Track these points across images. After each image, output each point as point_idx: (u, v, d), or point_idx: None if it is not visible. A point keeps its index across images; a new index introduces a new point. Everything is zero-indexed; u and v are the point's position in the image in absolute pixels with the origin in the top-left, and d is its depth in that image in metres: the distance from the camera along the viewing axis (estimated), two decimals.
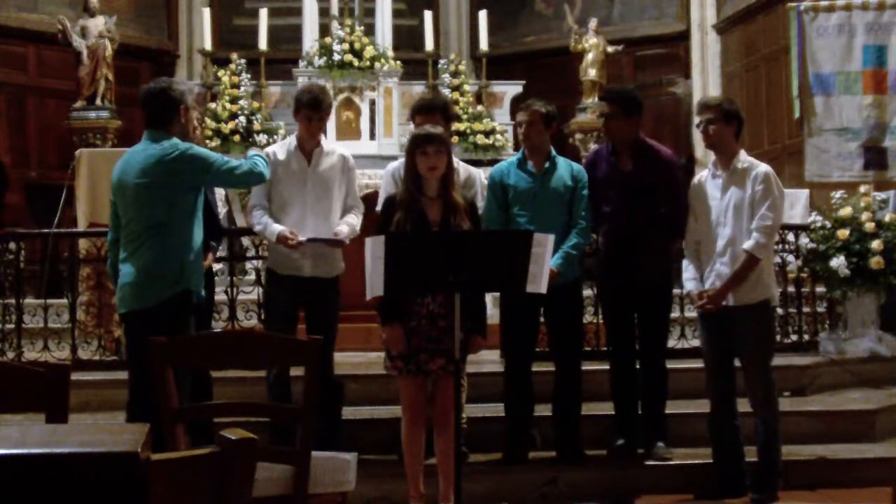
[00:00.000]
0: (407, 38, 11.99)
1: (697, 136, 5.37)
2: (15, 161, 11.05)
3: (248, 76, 10.78)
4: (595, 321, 6.25)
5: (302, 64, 10.78)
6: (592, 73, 11.28)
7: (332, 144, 5.35)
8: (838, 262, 6.89)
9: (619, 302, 5.38)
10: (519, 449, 5.28)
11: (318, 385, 3.26)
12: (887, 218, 7.11)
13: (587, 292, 5.78)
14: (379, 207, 4.82)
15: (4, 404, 2.76)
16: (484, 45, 11.18)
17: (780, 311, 6.99)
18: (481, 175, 5.46)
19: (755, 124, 10.79)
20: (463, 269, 3.91)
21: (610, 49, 11.33)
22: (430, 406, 4.60)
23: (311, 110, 5.01)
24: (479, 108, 11.05)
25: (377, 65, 10.61)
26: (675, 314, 6.04)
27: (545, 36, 13.07)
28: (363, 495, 4.72)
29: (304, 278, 5.00)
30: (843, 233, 6.97)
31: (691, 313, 6.05)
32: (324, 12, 11.22)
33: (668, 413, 5.40)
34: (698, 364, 5.25)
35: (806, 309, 7.29)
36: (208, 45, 11.00)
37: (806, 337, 7.14)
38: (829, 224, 7.08)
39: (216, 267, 5.95)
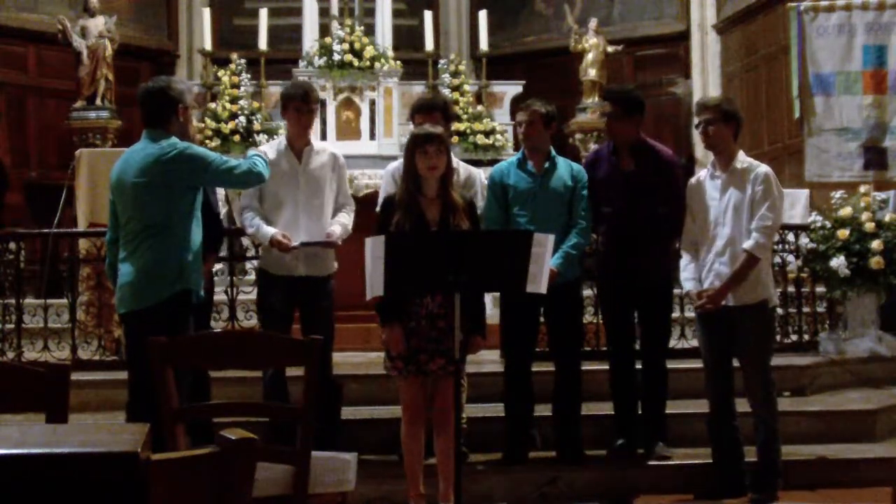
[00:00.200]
0: (407, 38, 11.99)
1: (698, 137, 5.37)
2: (15, 161, 11.05)
3: (248, 76, 10.78)
4: (595, 321, 6.25)
5: (302, 64, 10.78)
6: (592, 73, 11.28)
7: (322, 143, 5.35)
8: (838, 262, 6.89)
9: (620, 302, 5.38)
10: (519, 449, 5.27)
11: (318, 385, 3.26)
12: (887, 218, 7.11)
13: (587, 292, 5.77)
14: (378, 207, 4.81)
15: (4, 404, 2.75)
16: (484, 45, 11.18)
17: (780, 311, 6.99)
18: (481, 175, 5.46)
19: (755, 124, 10.79)
20: (463, 269, 3.91)
21: (610, 49, 11.34)
22: (430, 406, 4.60)
23: (302, 102, 4.99)
24: (479, 108, 11.05)
25: (377, 65, 10.61)
26: (675, 314, 6.04)
27: (545, 36, 13.07)
28: (363, 495, 4.72)
29: (298, 278, 4.99)
30: (843, 233, 6.97)
31: (691, 313, 6.05)
32: (324, 12, 11.22)
33: (668, 413, 5.40)
34: (698, 364, 5.25)
35: (806, 309, 7.29)
36: (208, 45, 11.00)
37: (806, 337, 7.14)
38: (829, 224, 7.09)
39: (216, 267, 5.95)
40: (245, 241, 7.06)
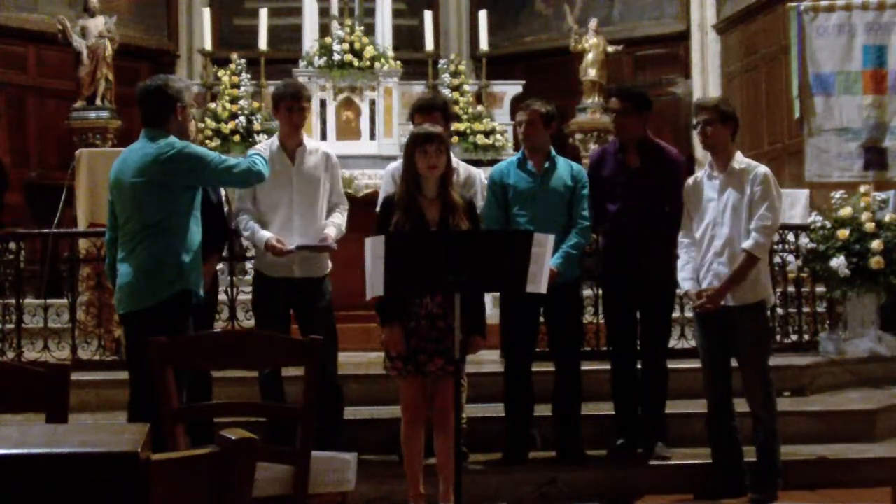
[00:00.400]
0: (407, 38, 11.99)
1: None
2: (15, 161, 11.05)
3: (248, 76, 10.79)
4: (595, 321, 6.25)
5: (302, 64, 10.78)
6: (592, 73, 11.29)
7: (314, 142, 5.33)
8: (838, 262, 6.90)
9: (622, 301, 5.38)
10: (519, 449, 5.27)
11: (318, 385, 3.26)
12: (887, 218, 7.11)
13: (587, 292, 5.77)
14: (378, 207, 4.81)
15: (4, 404, 2.75)
16: (484, 45, 11.18)
17: (780, 311, 7.00)
18: (481, 175, 5.46)
19: (755, 124, 10.80)
20: (463, 269, 3.91)
21: (610, 49, 11.34)
22: (430, 406, 4.60)
23: (292, 101, 4.98)
24: (479, 108, 11.05)
25: (377, 65, 10.61)
26: (675, 314, 6.04)
27: (545, 36, 13.07)
28: (363, 495, 4.72)
29: (295, 280, 4.98)
30: (843, 233, 6.97)
31: (691, 313, 6.04)
32: (324, 12, 11.22)
33: (668, 413, 5.40)
34: (698, 364, 5.24)
35: (806, 309, 7.29)
36: (208, 45, 11.01)
37: (806, 337, 7.14)
38: (829, 224, 7.09)
39: (217, 266, 5.94)
40: (245, 241, 7.06)
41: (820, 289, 7.40)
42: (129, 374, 4.63)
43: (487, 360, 5.71)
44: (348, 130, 10.60)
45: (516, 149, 9.00)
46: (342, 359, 5.31)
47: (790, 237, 7.15)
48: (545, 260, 4.03)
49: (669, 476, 5.23)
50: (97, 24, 10.48)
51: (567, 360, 5.30)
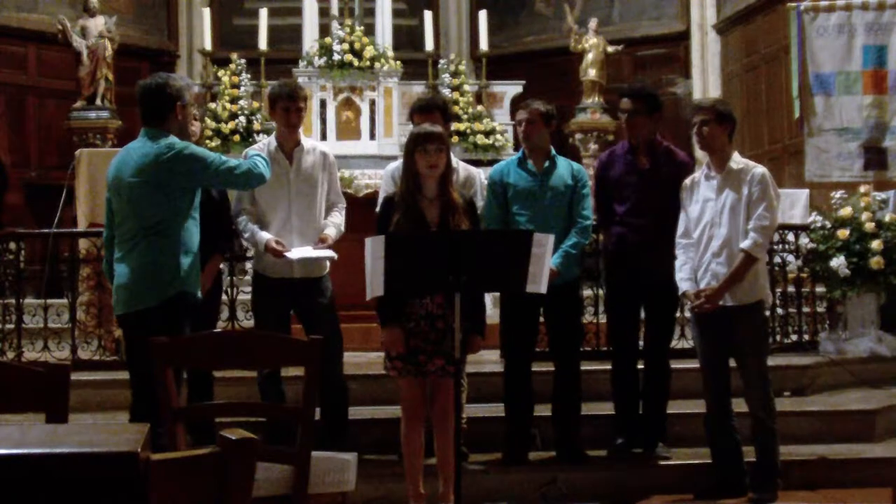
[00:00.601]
0: (407, 38, 11.99)
1: None
2: (15, 161, 11.04)
3: (248, 76, 10.78)
4: (595, 321, 6.25)
5: (302, 64, 10.77)
6: (592, 73, 11.29)
7: (311, 142, 5.32)
8: (838, 262, 6.90)
9: (626, 300, 5.37)
10: (519, 449, 5.27)
11: (318, 385, 3.26)
12: (887, 218, 7.11)
13: (587, 292, 5.76)
14: (378, 207, 4.81)
15: (4, 404, 2.75)
16: (484, 45, 11.18)
17: (780, 311, 7.00)
18: (481, 175, 5.46)
19: (755, 124, 10.79)
20: (463, 269, 3.91)
21: (610, 49, 11.34)
22: (430, 406, 4.60)
23: (289, 101, 4.98)
24: (479, 108, 11.04)
25: (377, 65, 10.61)
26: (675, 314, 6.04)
27: (545, 36, 13.07)
28: (363, 495, 4.72)
29: (294, 280, 4.98)
30: (843, 233, 6.97)
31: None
32: (324, 12, 11.21)
33: (668, 413, 5.40)
34: (698, 364, 5.24)
35: (806, 309, 7.29)
36: (208, 45, 11.01)
37: (806, 337, 7.14)
38: (829, 224, 7.09)
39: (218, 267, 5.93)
40: (245, 242, 7.06)
41: (820, 289, 7.40)
42: (129, 376, 4.62)
43: (487, 360, 5.71)
44: (348, 130, 10.60)
45: (516, 149, 8.98)
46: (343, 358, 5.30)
47: (790, 237, 7.14)
48: (545, 260, 4.03)
49: (669, 476, 5.23)
50: (97, 24, 10.48)
51: (567, 360, 5.30)
